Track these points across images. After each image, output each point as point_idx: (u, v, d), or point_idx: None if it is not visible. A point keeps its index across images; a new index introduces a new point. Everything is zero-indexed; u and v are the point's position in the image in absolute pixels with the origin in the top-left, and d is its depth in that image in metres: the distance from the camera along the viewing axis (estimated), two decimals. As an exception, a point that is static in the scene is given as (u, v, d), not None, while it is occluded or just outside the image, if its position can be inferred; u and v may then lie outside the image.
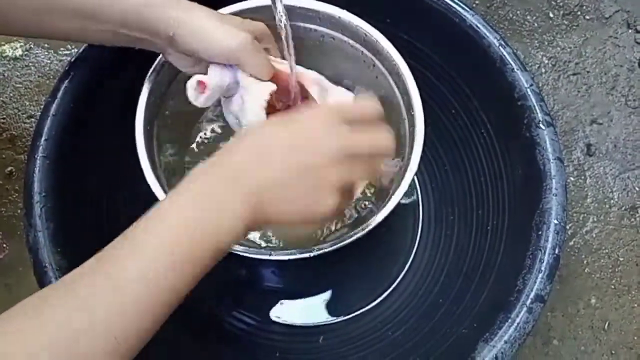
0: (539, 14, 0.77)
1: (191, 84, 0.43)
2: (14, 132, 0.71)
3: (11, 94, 0.73)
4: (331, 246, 0.44)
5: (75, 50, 0.63)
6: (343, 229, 0.56)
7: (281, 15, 0.43)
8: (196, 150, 0.59)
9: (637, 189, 0.71)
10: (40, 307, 0.28)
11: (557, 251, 0.46)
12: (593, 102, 0.74)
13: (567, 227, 0.68)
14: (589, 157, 0.72)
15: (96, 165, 0.52)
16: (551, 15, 0.77)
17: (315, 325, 0.59)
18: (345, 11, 0.50)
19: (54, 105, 0.49)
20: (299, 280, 0.61)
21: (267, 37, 0.47)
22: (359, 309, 0.59)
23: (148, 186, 0.45)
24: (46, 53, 0.75)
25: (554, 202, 0.47)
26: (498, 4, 0.78)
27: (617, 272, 0.68)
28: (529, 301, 0.44)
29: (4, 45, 0.74)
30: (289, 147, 0.34)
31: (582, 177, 0.71)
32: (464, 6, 0.53)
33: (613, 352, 0.65)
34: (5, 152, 0.70)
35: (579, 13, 0.78)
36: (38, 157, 0.48)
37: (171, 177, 0.50)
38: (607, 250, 0.68)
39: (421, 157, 0.46)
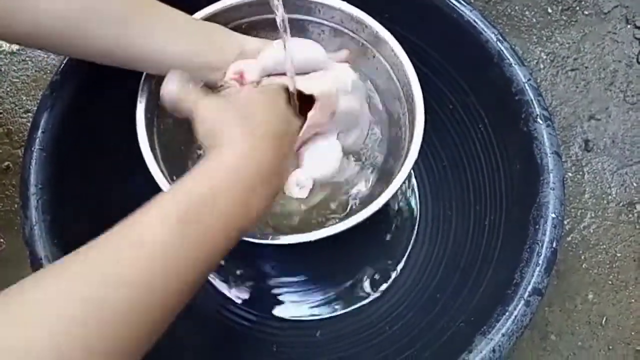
0: (537, 9, 0.77)
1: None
2: (10, 127, 0.71)
3: (8, 89, 0.72)
4: (331, 230, 0.43)
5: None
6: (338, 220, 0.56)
7: None
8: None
9: (635, 184, 0.71)
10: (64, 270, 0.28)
11: (554, 245, 0.46)
12: (591, 97, 0.74)
13: (565, 223, 0.68)
14: (587, 152, 0.72)
15: (93, 157, 0.52)
16: (550, 10, 0.77)
17: (312, 319, 0.59)
18: (345, 2, 0.49)
19: (52, 98, 0.49)
20: (297, 274, 0.61)
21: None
22: (356, 304, 0.59)
23: (144, 178, 0.45)
24: (43, 48, 0.74)
25: (551, 196, 0.47)
26: (496, -1, 0.78)
27: (614, 267, 0.68)
28: (526, 294, 0.44)
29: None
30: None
31: (580, 173, 0.71)
32: (462, 1, 0.53)
33: (610, 347, 0.65)
34: (2, 147, 0.70)
35: (577, 8, 0.77)
36: (35, 150, 0.47)
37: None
38: (604, 246, 0.68)
39: (419, 152, 0.46)
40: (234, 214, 0.33)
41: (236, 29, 0.48)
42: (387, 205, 0.45)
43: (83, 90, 0.51)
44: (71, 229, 0.47)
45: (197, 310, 0.58)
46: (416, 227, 0.63)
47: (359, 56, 0.52)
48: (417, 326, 0.54)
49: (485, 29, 0.52)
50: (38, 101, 0.50)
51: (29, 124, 0.71)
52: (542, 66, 0.75)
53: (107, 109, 0.52)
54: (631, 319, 0.66)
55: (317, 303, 0.60)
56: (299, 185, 0.42)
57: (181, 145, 0.53)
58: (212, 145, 0.35)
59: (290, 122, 0.41)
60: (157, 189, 0.45)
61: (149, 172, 0.45)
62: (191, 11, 0.47)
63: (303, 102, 0.44)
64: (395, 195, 0.46)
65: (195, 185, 0.32)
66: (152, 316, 0.28)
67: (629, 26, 0.77)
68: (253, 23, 0.51)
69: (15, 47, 0.74)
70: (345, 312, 0.59)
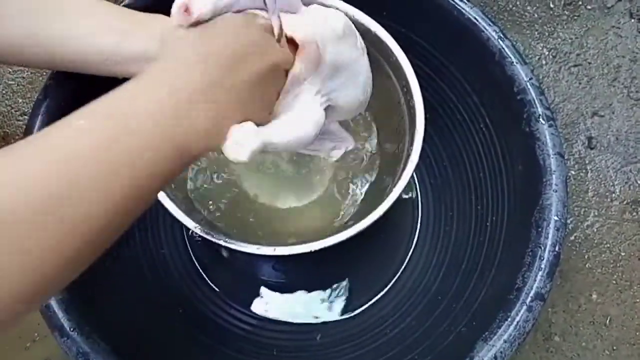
0: (539, 5, 0.76)
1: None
2: (7, 130, 0.70)
3: (3, 91, 0.72)
4: (331, 240, 0.43)
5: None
6: (340, 227, 0.56)
7: None
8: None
9: (639, 182, 0.70)
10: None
11: (557, 248, 0.45)
12: (594, 94, 0.73)
13: (568, 222, 0.67)
14: (590, 150, 0.71)
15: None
16: (552, 5, 0.76)
17: (312, 323, 0.58)
18: (341, 2, 0.48)
19: (45, 103, 0.49)
20: (297, 278, 0.61)
21: None
22: (356, 307, 0.59)
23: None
24: (39, 49, 0.74)
25: (554, 198, 0.46)
26: (498, -6, 0.77)
27: (618, 267, 0.67)
28: (528, 299, 0.43)
29: (-4, 41, 0.73)
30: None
31: (584, 171, 0.70)
32: (462, -1, 0.52)
33: (615, 347, 0.64)
34: (-1, 150, 0.69)
35: (580, 3, 0.76)
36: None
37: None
38: (608, 245, 0.68)
39: (420, 153, 0.46)
40: (164, 125, 0.30)
41: None
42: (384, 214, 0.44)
43: (76, 94, 0.50)
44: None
45: (196, 313, 0.58)
46: (417, 228, 0.62)
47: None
48: (419, 329, 0.53)
49: (486, 27, 0.52)
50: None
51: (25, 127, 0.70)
52: (544, 62, 0.74)
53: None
54: (636, 319, 0.65)
55: (317, 306, 0.59)
56: (237, 143, 0.33)
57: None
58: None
59: (262, 49, 0.35)
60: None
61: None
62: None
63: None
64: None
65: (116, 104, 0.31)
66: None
67: (632, 20, 0.75)
68: None
69: (10, 48, 0.73)
70: (345, 316, 0.58)
